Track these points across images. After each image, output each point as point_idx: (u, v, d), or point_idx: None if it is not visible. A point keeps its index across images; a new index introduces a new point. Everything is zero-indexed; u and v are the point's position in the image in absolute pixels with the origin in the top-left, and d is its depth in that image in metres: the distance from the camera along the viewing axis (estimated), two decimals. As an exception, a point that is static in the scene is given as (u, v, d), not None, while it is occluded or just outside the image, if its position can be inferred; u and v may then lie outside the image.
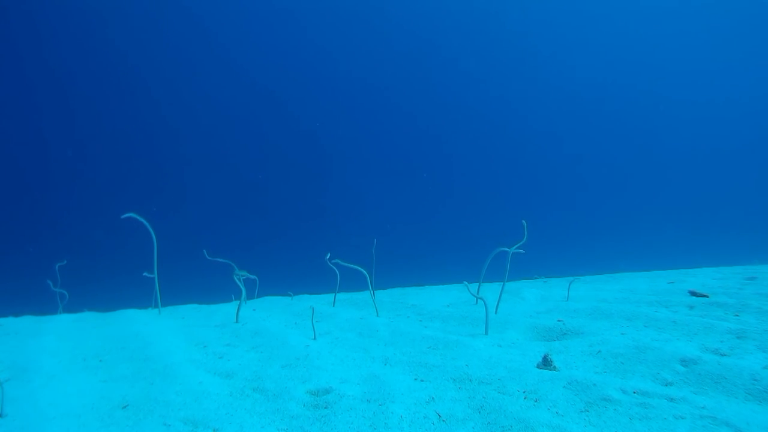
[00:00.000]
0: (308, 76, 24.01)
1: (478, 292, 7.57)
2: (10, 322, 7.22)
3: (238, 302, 6.72)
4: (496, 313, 6.37)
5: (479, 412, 3.25)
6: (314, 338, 5.43)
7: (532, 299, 7.69)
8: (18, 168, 19.44)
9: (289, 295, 9.09)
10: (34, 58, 19.86)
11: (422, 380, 3.91)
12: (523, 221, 6.25)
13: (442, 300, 7.90)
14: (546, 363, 4.03)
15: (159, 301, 7.94)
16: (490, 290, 7.92)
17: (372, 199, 24.08)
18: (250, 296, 9.03)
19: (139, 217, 6.65)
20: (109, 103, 20.99)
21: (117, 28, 20.91)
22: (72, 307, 8.66)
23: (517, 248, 6.48)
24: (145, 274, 7.71)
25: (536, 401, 3.37)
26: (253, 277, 6.38)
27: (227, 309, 7.66)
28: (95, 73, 20.81)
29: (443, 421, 3.17)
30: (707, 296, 6.65)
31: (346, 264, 6.74)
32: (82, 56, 20.60)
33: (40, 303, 8.80)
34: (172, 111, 21.97)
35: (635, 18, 26.88)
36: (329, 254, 6.68)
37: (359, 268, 6.80)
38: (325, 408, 3.43)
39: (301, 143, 23.60)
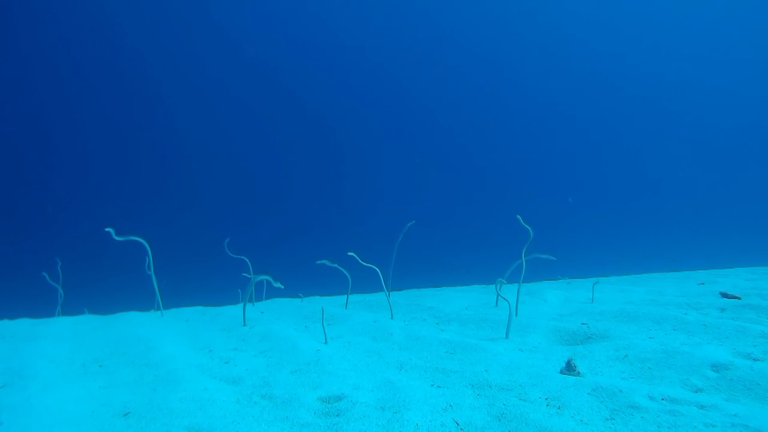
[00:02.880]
0: (325, 70, 23.99)
1: (498, 296, 7.57)
2: (5, 324, 7.24)
3: (243, 304, 6.72)
4: (516, 315, 6.36)
5: (499, 420, 3.25)
6: (325, 342, 5.44)
7: (555, 301, 7.68)
8: (17, 164, 19.51)
9: (299, 297, 9.11)
10: (35, 53, 19.93)
11: (439, 386, 3.91)
12: (518, 215, 6.23)
13: (460, 302, 7.89)
14: (570, 368, 4.02)
15: (161, 303, 7.96)
16: (512, 292, 7.91)
17: (389, 197, 24.05)
18: (258, 298, 9.05)
19: (116, 235, 6.65)
20: (113, 98, 21.01)
21: (122, 19, 20.94)
22: (71, 310, 8.68)
23: (533, 254, 6.47)
24: (150, 273, 7.72)
25: (559, 408, 3.37)
26: (279, 286, 6.37)
27: (233, 311, 7.67)
28: (98, 67, 20.85)
29: (461, 429, 3.16)
30: (739, 298, 6.62)
31: (333, 265, 6.73)
32: (85, 50, 20.64)
33: (36, 305, 8.82)
34: (179, 106, 21.98)
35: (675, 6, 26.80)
36: (327, 260, 6.67)
37: (374, 266, 6.80)
38: (337, 416, 3.43)
39: (317, 140, 23.60)
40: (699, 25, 27.13)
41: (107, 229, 6.50)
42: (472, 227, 23.78)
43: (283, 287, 6.04)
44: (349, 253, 6.63)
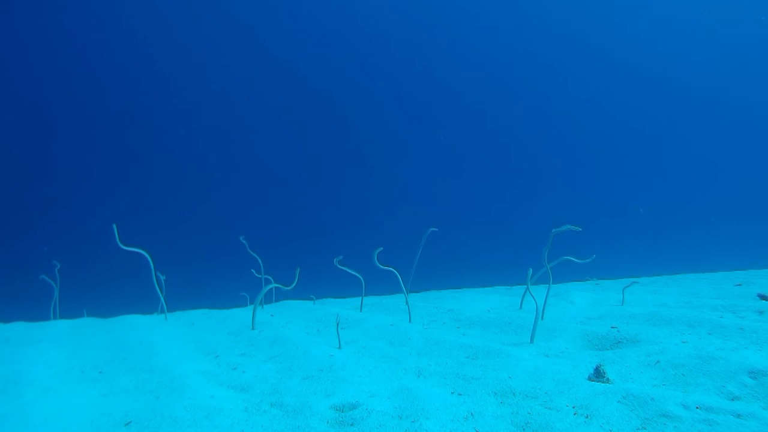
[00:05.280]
0: (346, 64, 23.90)
1: (524, 297, 7.56)
2: None
3: (253, 307, 6.73)
4: (542, 318, 6.33)
5: (524, 430, 3.24)
6: (339, 347, 5.44)
7: (583, 304, 7.66)
8: (17, 163, 19.53)
9: (311, 299, 9.10)
10: (40, 45, 19.93)
11: (460, 394, 3.90)
12: (575, 227, 6.19)
13: (481, 304, 7.88)
14: (598, 375, 4.01)
15: (165, 305, 7.97)
16: (538, 293, 7.90)
17: (409, 196, 24.00)
18: (267, 300, 9.05)
19: (121, 243, 6.66)
20: (121, 93, 20.99)
21: (132, 10, 20.91)
22: (69, 312, 8.69)
23: (564, 257, 6.46)
24: (152, 275, 7.72)
25: (587, 417, 3.36)
26: (294, 283, 6.37)
27: (241, 314, 7.68)
28: (105, 60, 20.82)
29: (483, 439, 3.16)
30: (779, 300, 6.60)
31: (340, 267, 6.72)
32: (92, 42, 20.63)
33: (33, 308, 8.85)
34: (189, 102, 21.94)
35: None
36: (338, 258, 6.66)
37: (393, 269, 6.79)
38: (351, 425, 3.43)
39: (337, 137, 23.57)
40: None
41: (113, 231, 6.52)
42: (495, 226, 23.74)
43: (298, 274, 6.04)
44: (376, 255, 6.60)
